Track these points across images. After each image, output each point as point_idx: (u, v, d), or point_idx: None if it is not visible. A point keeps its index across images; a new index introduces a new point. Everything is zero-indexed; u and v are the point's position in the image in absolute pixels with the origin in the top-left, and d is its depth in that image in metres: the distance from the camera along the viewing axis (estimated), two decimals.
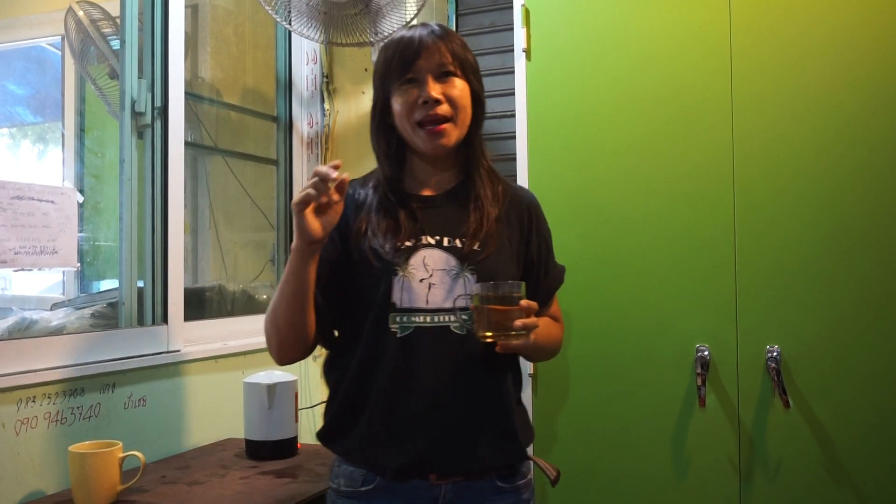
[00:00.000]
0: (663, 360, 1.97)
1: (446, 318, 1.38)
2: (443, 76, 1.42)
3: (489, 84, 2.54)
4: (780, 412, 1.86)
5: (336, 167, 1.27)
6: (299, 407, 2.14)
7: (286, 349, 1.44)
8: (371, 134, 1.52)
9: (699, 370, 1.89)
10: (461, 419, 1.37)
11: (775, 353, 1.85)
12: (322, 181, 1.26)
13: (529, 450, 1.49)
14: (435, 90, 1.40)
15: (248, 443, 2.05)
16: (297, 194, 1.28)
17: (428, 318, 1.38)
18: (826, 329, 1.84)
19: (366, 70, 2.82)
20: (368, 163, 2.90)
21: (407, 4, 2.39)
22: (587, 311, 2.04)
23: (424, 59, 1.41)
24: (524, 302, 1.30)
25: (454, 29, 2.76)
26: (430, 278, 1.39)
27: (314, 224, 1.29)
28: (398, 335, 1.37)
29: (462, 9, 2.75)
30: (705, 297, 1.94)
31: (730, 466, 1.90)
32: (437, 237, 1.43)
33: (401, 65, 1.42)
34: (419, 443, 1.36)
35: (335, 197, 1.29)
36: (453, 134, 1.43)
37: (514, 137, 2.20)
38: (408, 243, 1.41)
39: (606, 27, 2.04)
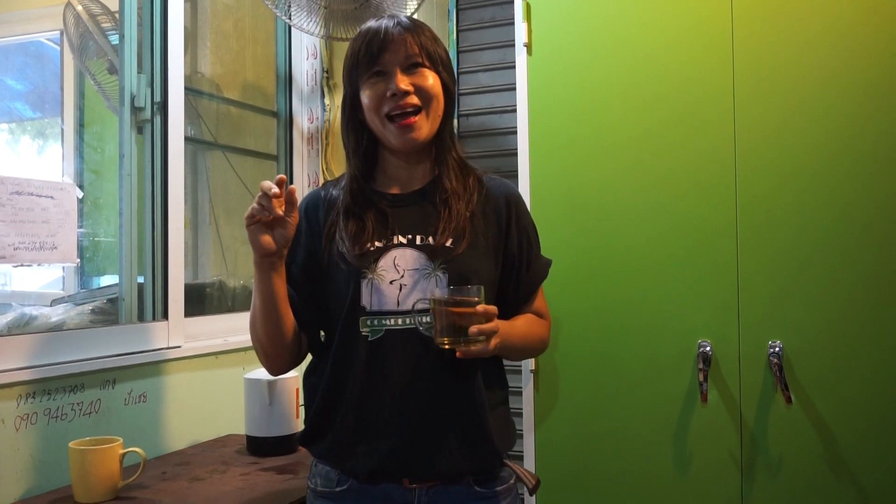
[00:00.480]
0: (665, 356, 1.97)
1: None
2: (411, 67, 1.39)
3: (490, 79, 2.55)
4: (781, 408, 1.86)
5: (280, 182, 1.28)
6: (300, 403, 2.13)
7: (271, 358, 1.45)
8: (342, 130, 1.49)
9: (701, 366, 1.89)
10: (429, 422, 1.35)
11: (777, 349, 1.84)
12: (265, 196, 1.27)
13: (526, 457, 1.47)
14: (403, 82, 1.37)
15: (249, 439, 2.05)
16: (257, 206, 1.29)
17: (399, 321, 1.36)
18: (828, 325, 1.83)
19: None
20: None
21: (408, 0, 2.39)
22: (589, 307, 2.04)
23: (391, 51, 1.38)
24: (481, 307, 1.26)
25: (455, 23, 2.75)
26: (402, 279, 1.37)
27: (265, 238, 1.31)
28: (369, 339, 1.36)
29: (462, 3, 2.73)
30: (707, 292, 1.93)
31: (732, 462, 1.90)
32: (409, 236, 1.40)
33: (367, 57, 1.39)
34: (387, 446, 1.35)
35: (279, 212, 1.29)
36: (424, 127, 1.40)
37: (515, 132, 2.20)
38: (378, 244, 1.39)
39: (608, 22, 2.04)
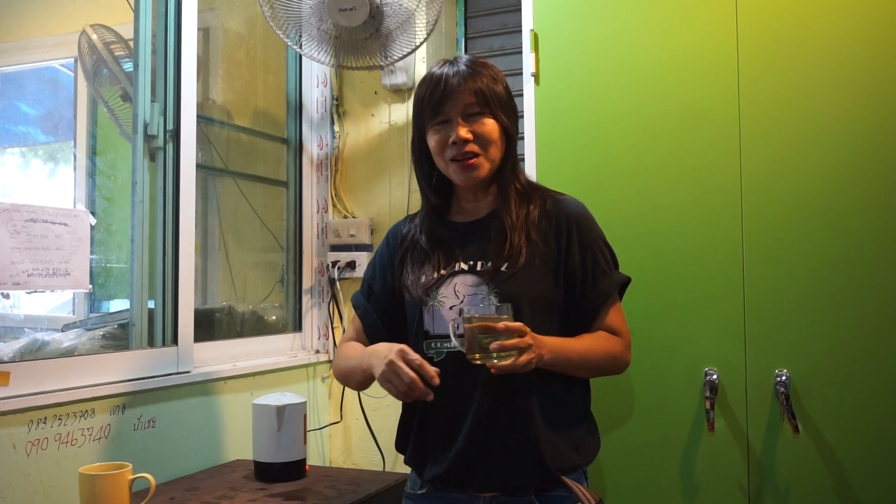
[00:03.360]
0: (672, 384, 1.97)
1: None
2: (471, 116, 1.50)
3: None
4: (789, 437, 1.85)
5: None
6: (308, 429, 2.14)
7: (356, 388, 1.64)
8: (414, 168, 1.63)
9: (708, 394, 1.89)
10: (484, 437, 1.46)
11: (784, 378, 1.84)
12: (419, 386, 1.39)
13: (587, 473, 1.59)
14: (463, 131, 1.49)
15: (257, 464, 2.06)
16: (405, 384, 1.38)
17: (454, 344, 1.46)
18: (835, 353, 1.83)
19: (375, 93, 2.84)
20: (377, 185, 2.93)
21: (416, 29, 2.42)
22: None
23: (451, 102, 1.49)
24: (501, 324, 1.34)
25: (463, 53, 2.78)
26: (460, 304, 1.48)
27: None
28: (434, 360, 1.48)
29: (471, 32, 2.77)
30: (714, 320, 1.94)
31: (739, 491, 1.90)
32: (471, 262, 1.52)
33: (431, 106, 1.51)
34: (450, 458, 1.47)
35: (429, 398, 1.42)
36: (484, 166, 1.52)
37: (522, 160, 2.21)
38: (443, 272, 1.52)
39: (615, 53, 2.06)
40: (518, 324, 1.36)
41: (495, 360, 1.35)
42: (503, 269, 1.48)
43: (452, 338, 1.44)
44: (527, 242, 1.50)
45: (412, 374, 1.37)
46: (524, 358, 1.35)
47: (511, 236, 1.50)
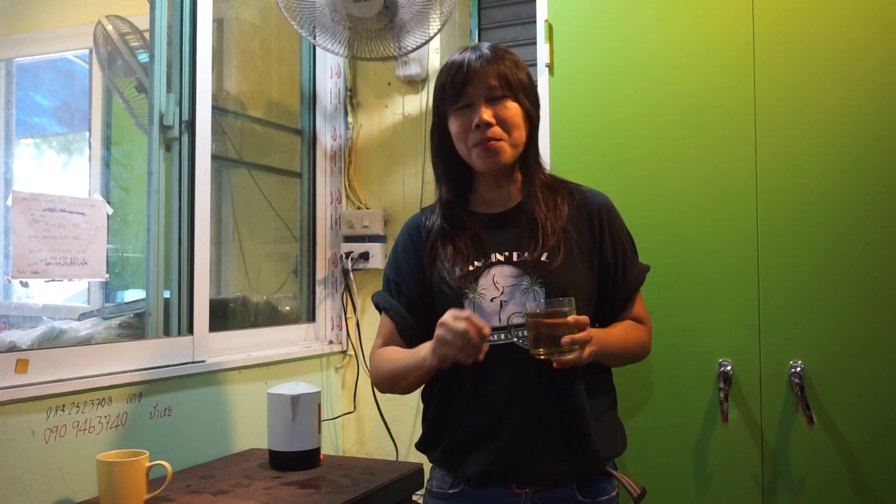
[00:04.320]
0: (685, 375, 1.97)
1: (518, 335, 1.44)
2: (494, 99, 1.47)
3: None
4: (803, 428, 1.85)
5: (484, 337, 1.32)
6: (322, 418, 2.15)
7: (400, 394, 1.56)
8: (431, 156, 1.58)
9: (722, 385, 1.89)
10: (532, 428, 1.44)
11: (799, 369, 1.84)
12: (474, 345, 1.31)
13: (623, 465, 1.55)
14: (486, 114, 1.45)
15: (272, 453, 2.07)
16: (460, 330, 1.30)
17: (502, 336, 1.45)
18: (850, 344, 1.83)
19: (389, 84, 2.84)
20: (391, 176, 2.93)
21: (430, 20, 2.41)
22: None
23: (473, 84, 1.46)
24: (571, 318, 1.33)
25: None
26: (502, 296, 1.46)
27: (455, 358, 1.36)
28: None
29: (485, 23, 2.77)
30: (728, 311, 1.93)
31: (753, 482, 1.90)
32: (507, 253, 1.49)
33: (452, 90, 1.48)
34: (494, 452, 1.44)
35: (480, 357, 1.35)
36: (507, 151, 1.48)
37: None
38: (477, 263, 1.48)
39: (629, 42, 2.05)
40: (584, 317, 1.35)
41: (560, 355, 1.33)
42: (543, 258, 1.46)
43: (509, 331, 1.43)
44: (563, 232, 1.49)
45: (465, 320, 1.29)
46: (588, 351, 1.34)
47: (544, 226, 1.49)
